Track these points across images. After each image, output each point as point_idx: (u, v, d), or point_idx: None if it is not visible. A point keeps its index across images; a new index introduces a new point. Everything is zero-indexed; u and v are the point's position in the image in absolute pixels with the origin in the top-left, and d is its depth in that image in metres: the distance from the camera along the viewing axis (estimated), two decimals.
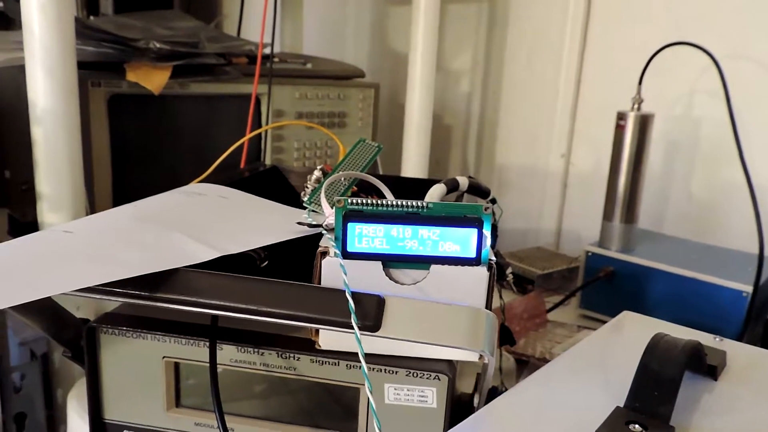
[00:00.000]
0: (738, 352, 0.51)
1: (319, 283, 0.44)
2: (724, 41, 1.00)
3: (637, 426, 0.37)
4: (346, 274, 0.40)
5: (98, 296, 0.39)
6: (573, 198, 1.24)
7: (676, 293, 0.87)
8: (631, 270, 0.91)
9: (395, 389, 0.46)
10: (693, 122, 1.06)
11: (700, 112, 1.06)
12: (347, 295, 0.39)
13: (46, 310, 0.50)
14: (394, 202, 0.43)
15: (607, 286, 0.93)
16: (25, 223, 0.86)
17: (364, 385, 0.47)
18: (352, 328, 0.38)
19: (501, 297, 0.71)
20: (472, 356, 0.45)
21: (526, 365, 0.80)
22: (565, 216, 1.25)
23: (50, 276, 0.38)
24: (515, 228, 1.30)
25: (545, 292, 1.03)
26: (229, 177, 0.70)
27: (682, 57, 0.96)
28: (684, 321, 0.58)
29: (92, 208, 0.83)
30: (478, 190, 0.64)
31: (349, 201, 0.43)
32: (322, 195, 0.49)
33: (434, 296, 0.43)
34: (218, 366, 0.48)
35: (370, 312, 0.39)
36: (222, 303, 0.40)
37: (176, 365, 0.50)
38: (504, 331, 0.73)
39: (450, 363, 0.46)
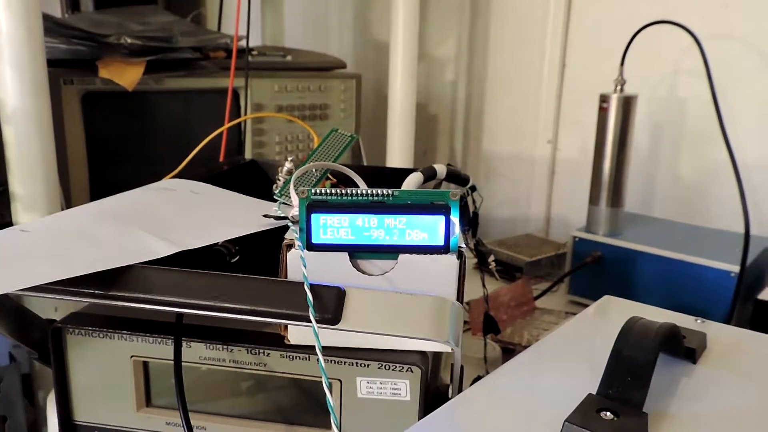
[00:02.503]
0: (720, 334, 0.50)
1: (286, 277, 0.43)
2: (707, 21, 0.98)
3: (608, 413, 0.36)
4: (305, 266, 0.39)
5: (50, 295, 0.38)
6: (561, 184, 1.23)
7: (665, 276, 0.86)
8: (619, 254, 0.90)
9: (368, 383, 0.45)
10: (678, 103, 1.05)
11: (685, 93, 1.04)
12: (306, 287, 0.38)
13: (9, 312, 0.48)
14: (359, 191, 0.42)
15: (596, 271, 0.92)
16: (2, 224, 0.85)
17: (336, 379, 0.46)
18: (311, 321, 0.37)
19: (484, 285, 0.69)
20: (443, 347, 0.44)
21: (513, 354, 0.79)
22: (554, 202, 1.24)
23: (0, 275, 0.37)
24: (504, 216, 1.29)
25: (534, 279, 1.02)
26: (207, 171, 0.69)
27: (666, 37, 0.95)
28: (673, 303, 0.57)
29: (68, 207, 0.82)
30: (457, 177, 0.62)
31: (313, 191, 0.42)
32: (291, 187, 0.48)
33: (403, 286, 0.42)
34: (188, 364, 0.47)
35: (330, 305, 0.38)
36: (178, 300, 0.39)
37: (145, 364, 0.49)
38: (488, 319, 0.72)
39: (423, 354, 0.45)
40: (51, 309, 0.66)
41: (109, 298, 0.38)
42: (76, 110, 0.83)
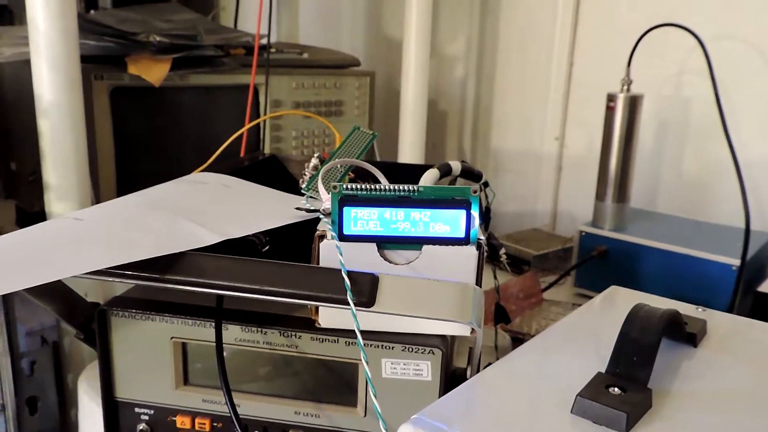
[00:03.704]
0: (720, 321, 0.54)
1: (318, 265, 0.46)
2: (711, 22, 1.01)
3: (616, 389, 0.39)
4: (342, 255, 0.43)
5: (110, 279, 0.41)
6: (567, 180, 1.26)
7: (668, 269, 0.89)
8: (624, 248, 0.93)
9: (392, 363, 0.49)
10: (683, 102, 1.08)
11: (689, 92, 1.07)
12: (343, 274, 0.41)
13: (58, 295, 0.52)
14: (387, 187, 0.45)
15: (601, 265, 0.95)
16: (32, 213, 0.88)
17: (362, 360, 0.49)
18: (349, 304, 0.41)
19: (495, 277, 0.73)
20: (463, 330, 0.47)
21: (522, 343, 0.82)
22: (561, 197, 1.27)
23: (63, 260, 0.41)
24: (512, 211, 1.32)
25: (541, 273, 1.05)
26: (230, 166, 0.73)
27: (672, 38, 0.98)
28: (676, 296, 0.60)
29: (97, 197, 0.85)
30: (471, 174, 0.66)
31: (345, 186, 0.45)
32: (319, 181, 0.51)
33: (427, 275, 0.46)
34: (225, 345, 0.50)
35: (365, 289, 0.42)
36: (226, 283, 0.42)
37: (184, 345, 0.53)
38: (499, 309, 0.75)
39: (443, 338, 0.49)
40: (81, 293, 0.69)
41: (166, 282, 0.42)
42: (105, 104, 0.87)
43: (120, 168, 0.90)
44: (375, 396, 0.37)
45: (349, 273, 0.42)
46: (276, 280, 0.42)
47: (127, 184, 0.89)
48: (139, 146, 0.93)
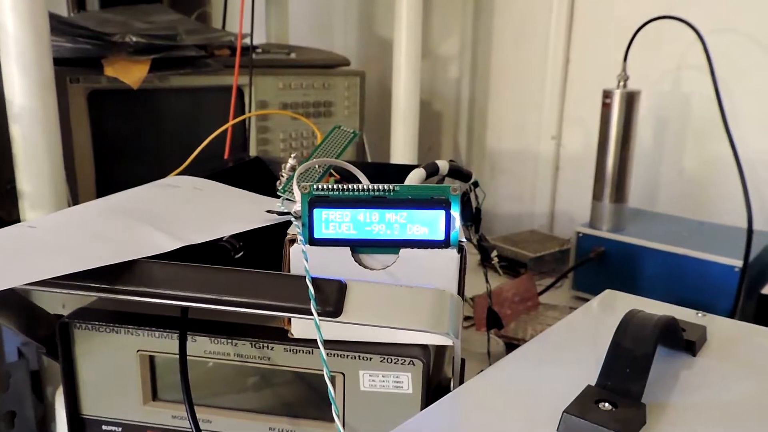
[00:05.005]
0: (720, 327, 0.51)
1: (289, 271, 0.43)
2: (710, 16, 0.99)
3: (606, 404, 0.36)
4: (307, 260, 0.39)
5: (57, 290, 0.38)
6: (565, 180, 1.23)
7: (668, 271, 0.86)
8: (622, 249, 0.90)
9: (370, 376, 0.46)
10: (682, 98, 1.05)
11: (688, 88, 1.04)
12: (307, 281, 0.38)
13: (17, 307, 0.49)
14: (360, 187, 0.42)
15: (599, 267, 0.92)
16: (10, 221, 0.86)
17: (339, 373, 0.46)
18: (312, 314, 0.37)
19: (487, 281, 0.70)
20: (443, 339, 0.44)
21: (516, 349, 0.79)
22: (558, 198, 1.24)
23: (6, 270, 0.38)
24: (509, 212, 1.29)
25: (539, 275, 1.02)
26: (212, 168, 0.70)
27: (670, 33, 0.95)
28: (676, 298, 0.57)
29: (75, 204, 0.82)
30: (459, 173, 0.63)
31: (315, 187, 0.42)
32: (294, 183, 0.49)
33: (405, 280, 0.43)
34: (194, 358, 0.47)
35: (331, 298, 0.39)
36: (182, 293, 0.39)
37: (151, 358, 0.50)
38: (491, 314, 0.72)
39: (425, 348, 0.46)
40: (59, 305, 0.66)
41: (115, 292, 0.39)
42: (83, 108, 0.84)
43: (99, 174, 0.87)
44: (337, 415, 0.34)
45: (315, 280, 0.39)
46: (237, 288, 0.39)
47: (106, 191, 0.86)
48: (119, 151, 0.90)
